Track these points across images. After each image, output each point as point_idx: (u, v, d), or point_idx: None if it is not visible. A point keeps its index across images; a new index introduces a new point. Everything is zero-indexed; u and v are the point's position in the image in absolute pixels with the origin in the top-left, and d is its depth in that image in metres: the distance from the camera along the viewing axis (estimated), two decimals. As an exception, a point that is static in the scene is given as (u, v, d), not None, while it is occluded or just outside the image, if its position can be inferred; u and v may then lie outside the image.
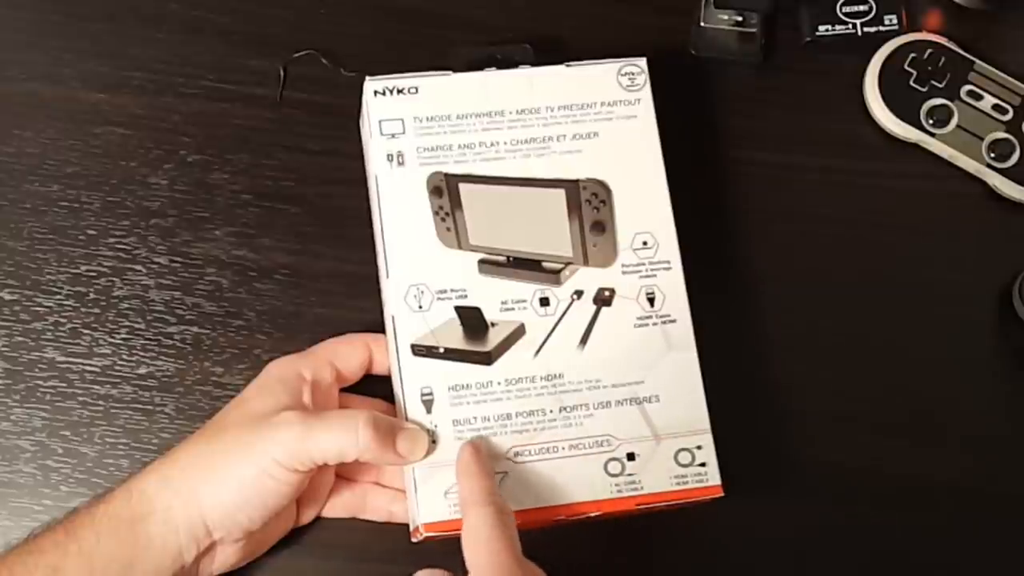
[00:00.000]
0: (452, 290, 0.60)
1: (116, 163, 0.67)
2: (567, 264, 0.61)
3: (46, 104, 0.68)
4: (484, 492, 0.55)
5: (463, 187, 0.61)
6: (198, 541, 0.55)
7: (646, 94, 0.64)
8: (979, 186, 0.70)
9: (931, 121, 0.69)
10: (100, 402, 0.63)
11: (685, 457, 0.59)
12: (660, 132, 0.63)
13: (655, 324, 0.61)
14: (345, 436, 0.55)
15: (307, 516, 0.61)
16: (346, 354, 0.61)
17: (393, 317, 0.60)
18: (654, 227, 0.62)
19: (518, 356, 0.60)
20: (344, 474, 0.62)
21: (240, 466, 0.55)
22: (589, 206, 0.62)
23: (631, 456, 0.59)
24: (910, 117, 0.69)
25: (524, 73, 0.64)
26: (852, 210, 0.70)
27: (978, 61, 0.70)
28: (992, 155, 0.69)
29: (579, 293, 0.61)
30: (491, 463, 0.57)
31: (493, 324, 0.60)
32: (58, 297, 0.65)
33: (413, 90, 0.63)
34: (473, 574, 0.52)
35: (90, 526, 0.55)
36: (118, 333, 0.64)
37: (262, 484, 0.55)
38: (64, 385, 0.64)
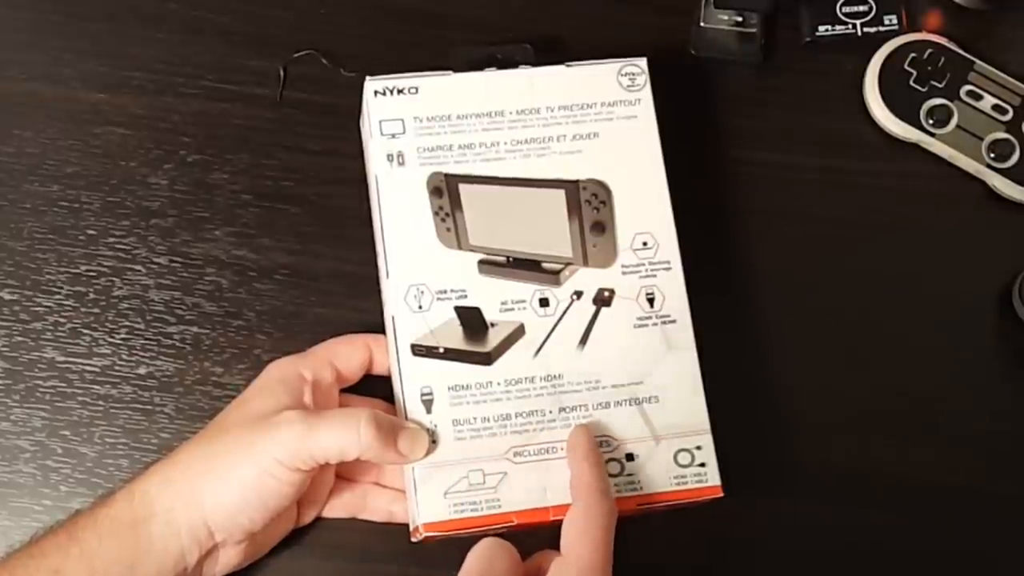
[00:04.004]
0: (452, 290, 0.60)
1: (116, 163, 0.67)
2: (567, 264, 0.61)
3: (46, 104, 0.68)
4: (606, 482, 0.55)
5: (463, 187, 0.61)
6: (200, 543, 0.55)
7: (646, 94, 0.64)
8: (979, 186, 0.70)
9: (931, 121, 0.69)
10: (100, 402, 0.63)
11: (685, 457, 0.59)
12: (660, 132, 0.63)
13: (655, 324, 0.61)
14: (347, 434, 0.55)
15: (307, 516, 0.61)
16: (346, 354, 0.61)
17: (393, 317, 0.60)
18: (654, 227, 0.62)
19: (518, 356, 0.60)
20: (344, 474, 0.62)
21: (242, 466, 0.55)
22: (589, 206, 0.62)
23: (630, 456, 0.59)
24: (910, 117, 0.69)
25: (524, 73, 0.64)
26: (852, 210, 0.70)
27: (978, 61, 0.70)
28: (992, 155, 0.69)
29: (579, 293, 0.61)
30: None
31: (493, 324, 0.60)
32: (58, 297, 0.65)
33: (413, 90, 0.63)
34: (568, 559, 0.52)
35: (92, 528, 0.55)
36: (118, 333, 0.65)
37: (264, 484, 0.55)
38: (64, 385, 0.64)
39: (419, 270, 0.60)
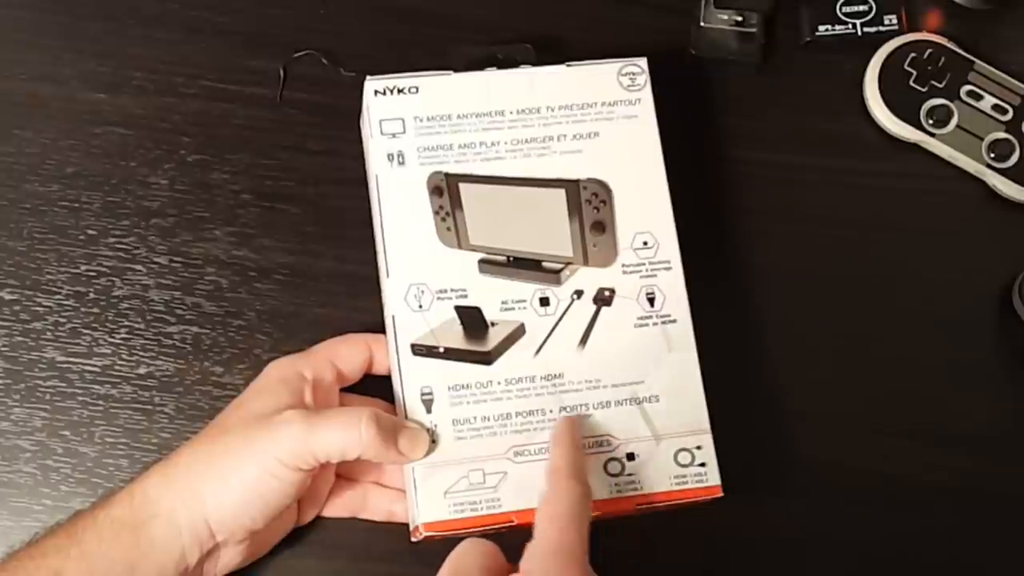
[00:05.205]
0: (452, 290, 0.60)
1: (116, 163, 0.67)
2: (567, 264, 0.61)
3: (46, 104, 0.67)
4: (577, 467, 0.55)
5: (463, 187, 0.61)
6: (201, 543, 0.55)
7: (646, 94, 0.64)
8: (979, 186, 0.70)
9: (931, 121, 0.69)
10: (100, 402, 0.63)
11: (685, 457, 0.59)
12: (660, 132, 0.64)
13: (655, 324, 0.61)
14: (347, 433, 0.55)
15: (308, 516, 0.61)
16: (347, 354, 0.61)
17: (393, 317, 0.60)
18: (654, 227, 0.62)
19: (518, 356, 0.60)
20: (344, 474, 0.62)
21: (243, 466, 0.55)
22: (589, 206, 0.62)
23: (631, 456, 0.59)
24: (910, 117, 0.69)
25: (525, 73, 0.64)
26: (852, 210, 0.70)
27: (978, 61, 0.70)
28: (992, 155, 0.69)
29: (579, 293, 0.61)
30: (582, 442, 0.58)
31: (493, 324, 0.60)
32: (58, 297, 0.65)
33: (413, 90, 0.63)
34: (537, 543, 0.51)
35: (92, 529, 0.55)
36: (118, 333, 0.64)
37: (265, 484, 0.55)
38: (64, 385, 0.64)
39: (419, 270, 0.60)
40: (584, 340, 0.60)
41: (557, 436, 0.57)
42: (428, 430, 0.58)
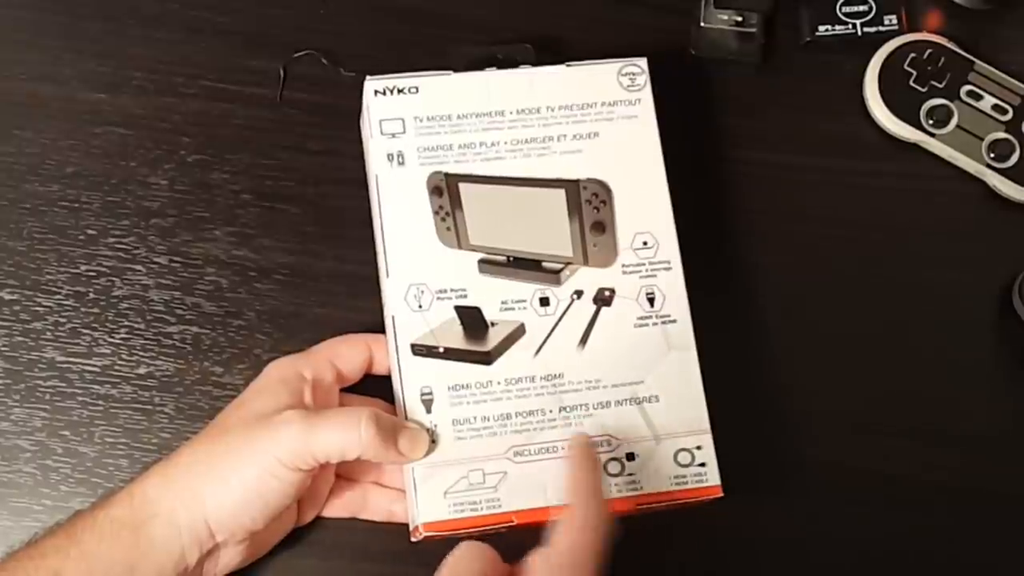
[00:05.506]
0: (452, 290, 0.60)
1: (116, 163, 0.67)
2: (567, 264, 0.61)
3: (46, 104, 0.68)
4: (597, 486, 0.55)
5: (463, 187, 0.61)
6: (201, 543, 0.55)
7: (646, 94, 0.64)
8: (979, 186, 0.70)
9: (931, 121, 0.69)
10: (100, 402, 0.63)
11: (685, 457, 0.59)
12: (660, 132, 0.64)
13: (655, 324, 0.61)
14: (347, 434, 0.55)
15: (307, 516, 0.61)
16: (347, 354, 0.61)
17: (393, 317, 0.60)
18: (654, 227, 0.62)
19: (518, 356, 0.60)
20: (344, 474, 0.62)
21: (243, 467, 0.55)
22: (589, 206, 0.62)
23: (631, 456, 0.59)
24: (910, 117, 0.69)
25: (524, 73, 0.64)
26: (852, 210, 0.70)
27: (978, 61, 0.70)
28: (992, 155, 0.69)
29: (579, 293, 0.61)
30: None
31: (493, 324, 0.60)
32: (58, 297, 0.65)
33: (413, 90, 0.63)
34: (548, 550, 0.52)
35: (92, 529, 0.55)
36: (118, 333, 0.64)
37: (265, 484, 0.55)
38: (64, 385, 0.64)
39: (419, 270, 0.60)
40: (584, 340, 0.60)
41: (576, 453, 0.56)
42: (428, 430, 0.58)
